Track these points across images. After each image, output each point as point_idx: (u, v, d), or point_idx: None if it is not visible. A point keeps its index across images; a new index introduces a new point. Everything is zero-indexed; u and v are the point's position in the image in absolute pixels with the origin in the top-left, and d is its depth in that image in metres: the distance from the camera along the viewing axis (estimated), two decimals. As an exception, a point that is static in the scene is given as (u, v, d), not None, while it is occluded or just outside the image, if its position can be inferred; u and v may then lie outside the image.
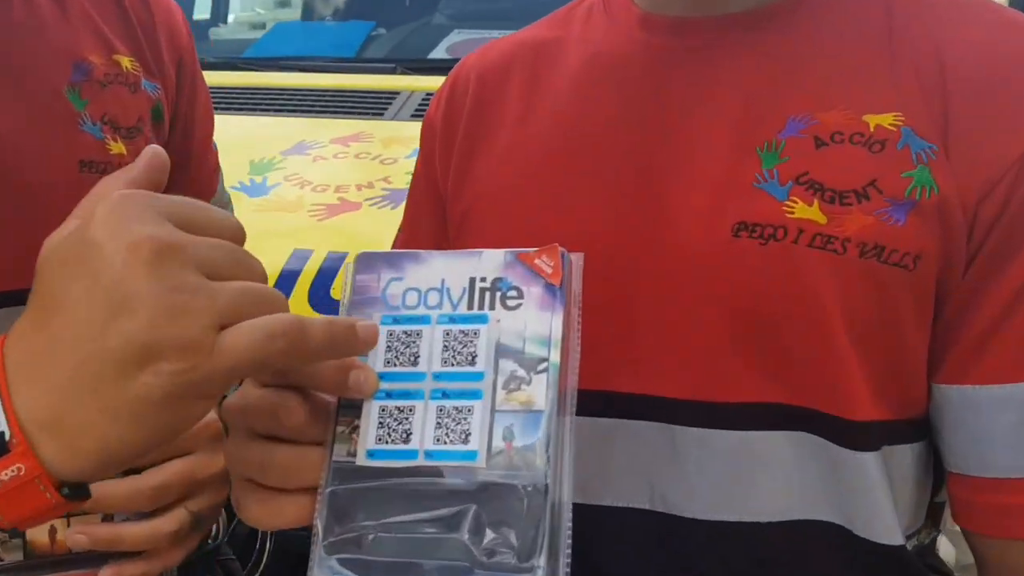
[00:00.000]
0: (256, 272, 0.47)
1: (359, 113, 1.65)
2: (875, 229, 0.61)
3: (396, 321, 0.53)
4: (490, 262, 0.53)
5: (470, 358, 0.52)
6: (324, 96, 1.72)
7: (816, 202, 0.61)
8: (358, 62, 2.00)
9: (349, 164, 1.53)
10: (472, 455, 0.51)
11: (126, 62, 0.82)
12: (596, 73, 0.71)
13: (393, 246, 0.83)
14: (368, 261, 0.54)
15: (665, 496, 0.65)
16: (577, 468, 0.62)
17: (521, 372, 0.52)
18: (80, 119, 0.77)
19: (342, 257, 1.25)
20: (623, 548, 0.66)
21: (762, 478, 0.63)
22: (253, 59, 2.07)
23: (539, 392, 0.51)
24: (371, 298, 0.54)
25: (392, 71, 1.84)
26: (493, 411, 0.51)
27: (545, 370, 0.51)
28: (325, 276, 1.27)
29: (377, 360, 0.53)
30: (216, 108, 0.93)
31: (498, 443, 0.51)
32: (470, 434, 0.51)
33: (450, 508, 0.50)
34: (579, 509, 0.61)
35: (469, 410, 0.51)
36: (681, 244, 0.64)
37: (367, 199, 1.43)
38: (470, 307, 0.53)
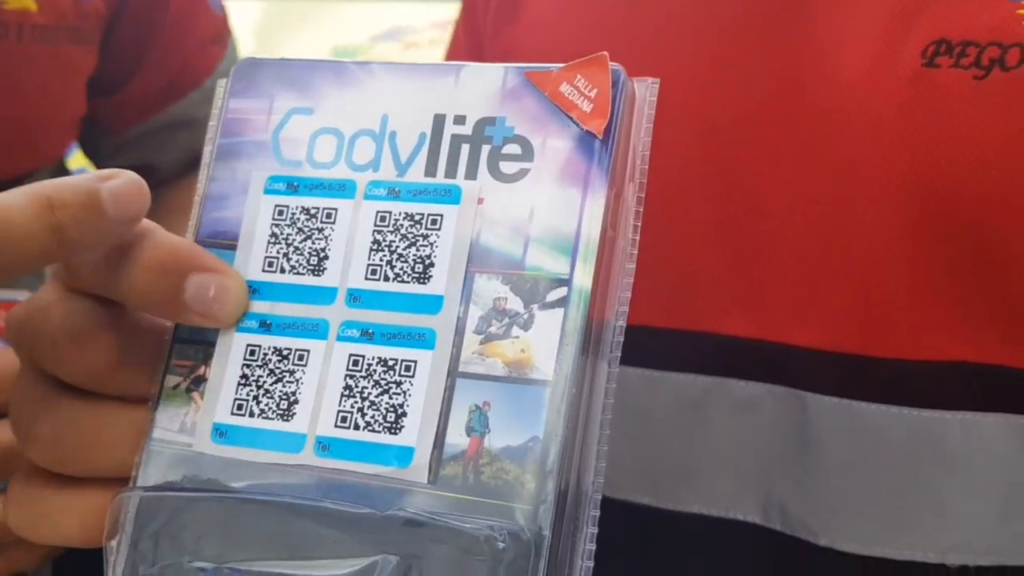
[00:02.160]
0: None
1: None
2: None
3: (292, 189, 0.28)
4: (476, 87, 0.27)
5: (420, 268, 0.27)
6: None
7: None
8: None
9: (444, 52, 1.29)
10: (404, 455, 0.26)
11: None
12: None
13: None
14: (254, 74, 0.29)
15: (786, 508, 0.39)
16: (650, 454, 0.41)
17: (514, 303, 0.26)
18: None
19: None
20: (717, 565, 0.41)
21: (953, 491, 0.37)
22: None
23: (545, 343, 0.25)
24: (252, 142, 0.29)
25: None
26: (453, 373, 0.26)
27: (561, 302, 0.26)
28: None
29: (251, 257, 0.28)
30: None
31: (456, 437, 0.26)
32: (404, 415, 0.26)
33: (352, 558, 0.25)
34: (647, 515, 0.41)
35: (408, 368, 0.26)
36: (832, 85, 0.37)
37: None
38: (430, 172, 0.27)
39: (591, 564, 0.24)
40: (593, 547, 0.25)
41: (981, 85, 0.35)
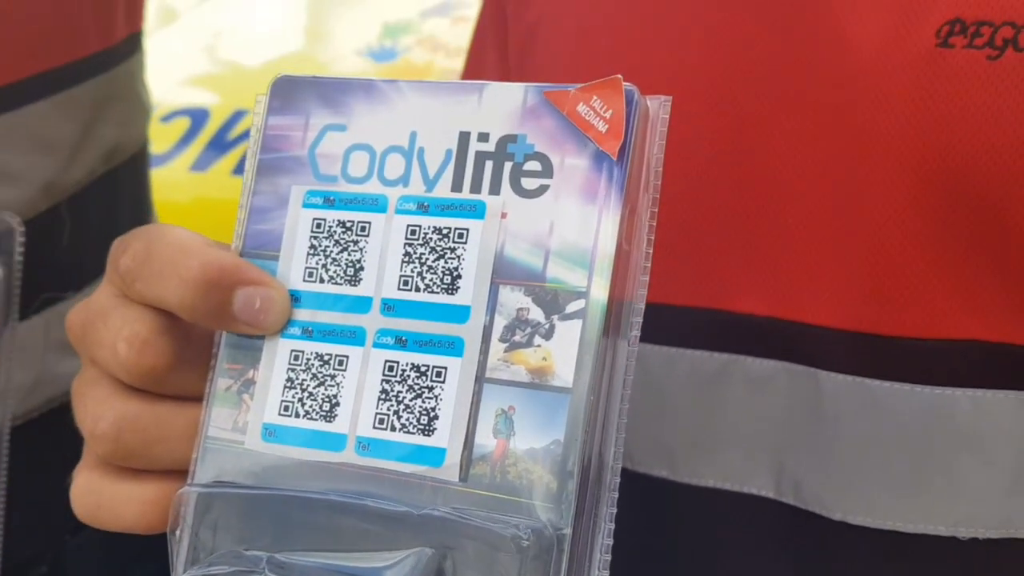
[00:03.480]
0: None
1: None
2: None
3: (329, 203, 0.30)
4: (498, 105, 0.29)
5: (448, 280, 0.29)
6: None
7: None
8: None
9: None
10: (436, 456, 0.28)
11: None
12: None
13: None
14: (290, 92, 0.31)
15: (799, 483, 0.40)
16: (667, 429, 0.42)
17: (536, 313, 0.28)
18: None
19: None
20: (731, 539, 0.43)
21: (965, 466, 0.38)
22: None
23: (565, 353, 0.27)
24: (291, 158, 0.31)
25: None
26: (481, 379, 0.28)
27: (579, 314, 0.27)
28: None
29: (292, 268, 0.30)
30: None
31: (484, 439, 0.27)
32: (436, 418, 0.28)
33: (391, 551, 0.27)
34: (663, 488, 0.42)
35: (439, 374, 0.28)
36: (846, 68, 0.38)
37: (504, 66, 1.20)
38: (457, 187, 0.29)
39: (608, 557, 0.26)
40: (611, 542, 0.26)
41: (994, 66, 0.35)
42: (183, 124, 1.34)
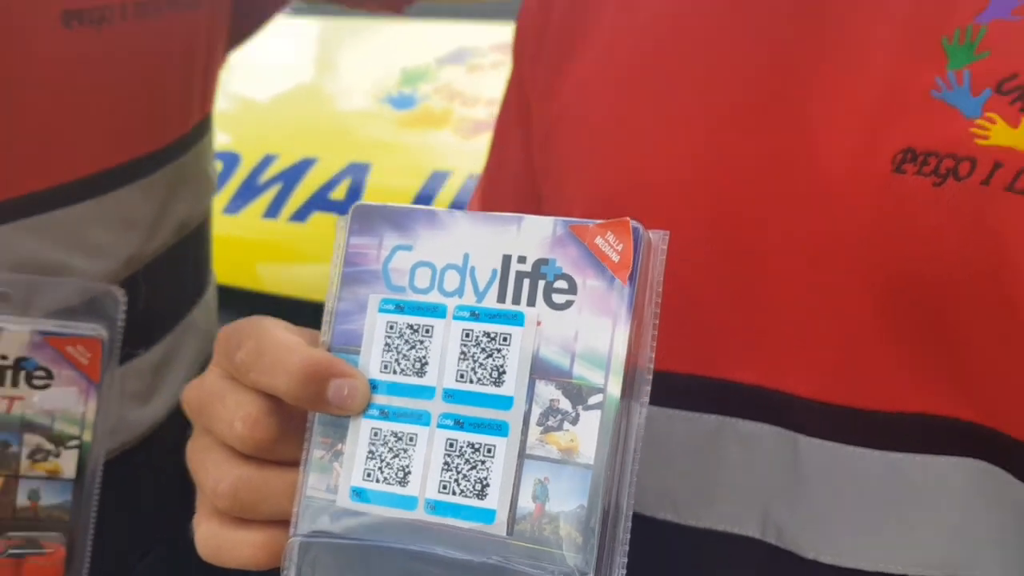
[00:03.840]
0: None
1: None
2: None
3: (400, 309, 0.38)
4: (533, 234, 0.37)
5: (495, 374, 0.36)
6: (488, -3, 1.56)
7: None
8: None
9: (506, 75, 1.37)
10: (488, 515, 0.35)
11: None
12: None
13: (472, 198, 0.66)
14: (367, 217, 0.39)
15: (781, 527, 0.47)
16: (672, 479, 0.50)
17: (565, 403, 0.35)
18: None
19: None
20: (725, 573, 0.50)
21: (916, 519, 0.45)
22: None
23: (588, 436, 0.35)
24: (368, 271, 0.39)
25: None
26: (522, 455, 0.35)
27: (599, 405, 0.35)
28: (458, 205, 1.13)
29: (371, 361, 0.38)
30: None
31: (525, 503, 0.35)
32: (488, 485, 0.36)
33: None
34: (670, 530, 0.49)
35: (490, 450, 0.36)
36: (820, 182, 0.45)
37: (518, 115, 1.27)
38: (501, 299, 0.37)
39: None
40: None
41: (939, 191, 0.42)
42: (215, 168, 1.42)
